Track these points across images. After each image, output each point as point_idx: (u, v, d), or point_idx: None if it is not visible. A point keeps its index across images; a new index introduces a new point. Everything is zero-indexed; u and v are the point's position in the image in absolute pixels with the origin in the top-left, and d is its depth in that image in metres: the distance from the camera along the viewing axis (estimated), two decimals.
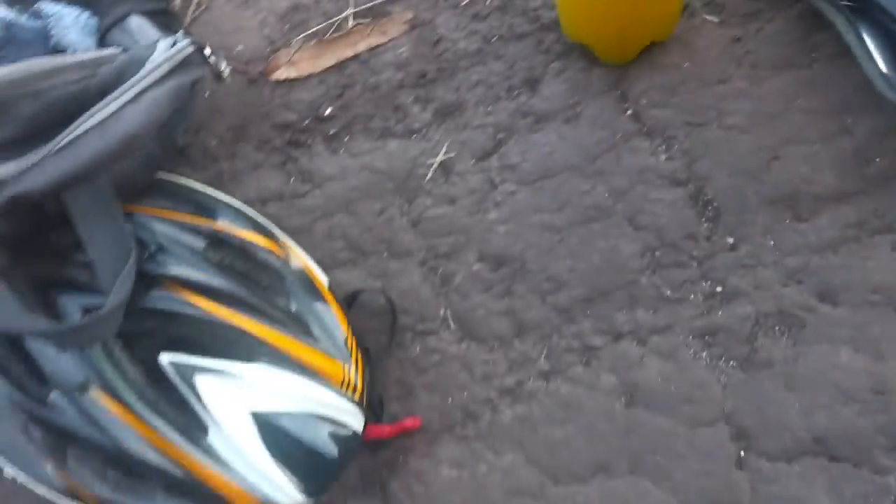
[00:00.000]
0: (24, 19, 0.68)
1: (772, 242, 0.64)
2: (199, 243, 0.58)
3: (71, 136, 0.54)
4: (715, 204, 0.66)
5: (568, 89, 0.75)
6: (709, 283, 0.64)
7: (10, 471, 0.58)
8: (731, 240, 0.65)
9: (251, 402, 0.55)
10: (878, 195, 0.64)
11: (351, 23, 0.82)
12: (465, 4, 0.81)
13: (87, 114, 0.55)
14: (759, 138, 0.68)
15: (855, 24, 0.66)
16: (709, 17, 0.75)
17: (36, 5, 0.69)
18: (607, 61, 0.75)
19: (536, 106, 0.75)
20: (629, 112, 0.72)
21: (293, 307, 0.59)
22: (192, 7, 0.87)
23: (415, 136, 0.76)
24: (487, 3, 0.80)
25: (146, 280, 0.55)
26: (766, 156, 0.67)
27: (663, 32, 0.74)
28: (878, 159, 0.65)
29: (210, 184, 0.66)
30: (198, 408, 0.54)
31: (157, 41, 0.62)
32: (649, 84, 0.73)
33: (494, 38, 0.79)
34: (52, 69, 0.58)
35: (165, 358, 0.54)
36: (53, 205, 0.55)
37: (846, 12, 0.67)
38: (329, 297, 0.62)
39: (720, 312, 0.62)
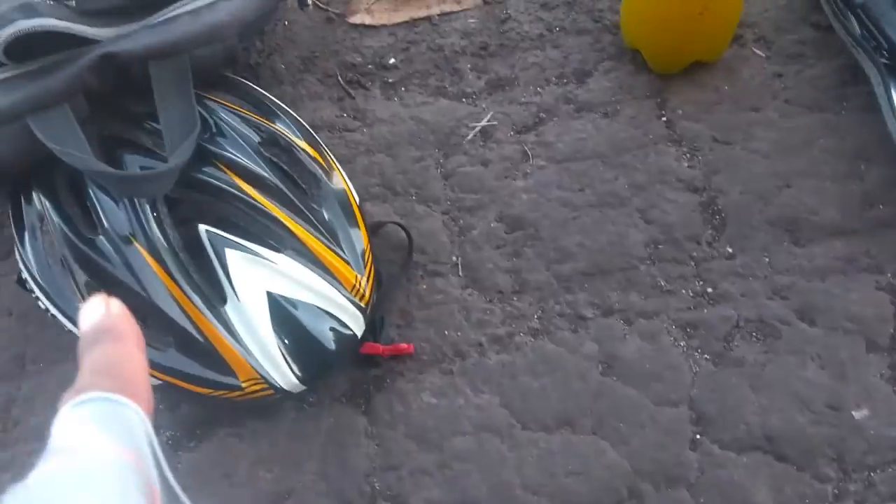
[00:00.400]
0: None
1: (767, 259, 0.69)
2: (256, 137, 0.64)
3: (168, 16, 0.61)
4: (723, 214, 0.72)
5: (613, 87, 0.80)
6: (701, 282, 0.69)
7: (45, 302, 0.64)
8: (730, 249, 0.70)
9: (269, 283, 0.60)
10: (874, 238, 0.69)
11: None
12: None
13: (186, 0, 0.61)
14: (777, 166, 0.73)
15: (887, 80, 0.71)
16: (757, 51, 0.81)
17: None
18: (655, 70, 0.80)
19: (581, 96, 0.80)
20: (664, 119, 0.78)
21: (326, 215, 0.65)
22: None
23: (465, 99, 0.82)
24: None
25: (203, 155, 0.61)
26: (780, 182, 0.72)
27: (711, 54, 0.79)
28: (881, 206, 0.70)
29: None
30: (222, 278, 0.60)
31: None
32: (688, 98, 0.79)
33: (557, 29, 0.85)
34: None
35: (203, 227, 0.60)
36: (139, 72, 0.61)
37: (882, 69, 0.72)
38: (359, 217, 0.68)
39: (705, 310, 0.67)
